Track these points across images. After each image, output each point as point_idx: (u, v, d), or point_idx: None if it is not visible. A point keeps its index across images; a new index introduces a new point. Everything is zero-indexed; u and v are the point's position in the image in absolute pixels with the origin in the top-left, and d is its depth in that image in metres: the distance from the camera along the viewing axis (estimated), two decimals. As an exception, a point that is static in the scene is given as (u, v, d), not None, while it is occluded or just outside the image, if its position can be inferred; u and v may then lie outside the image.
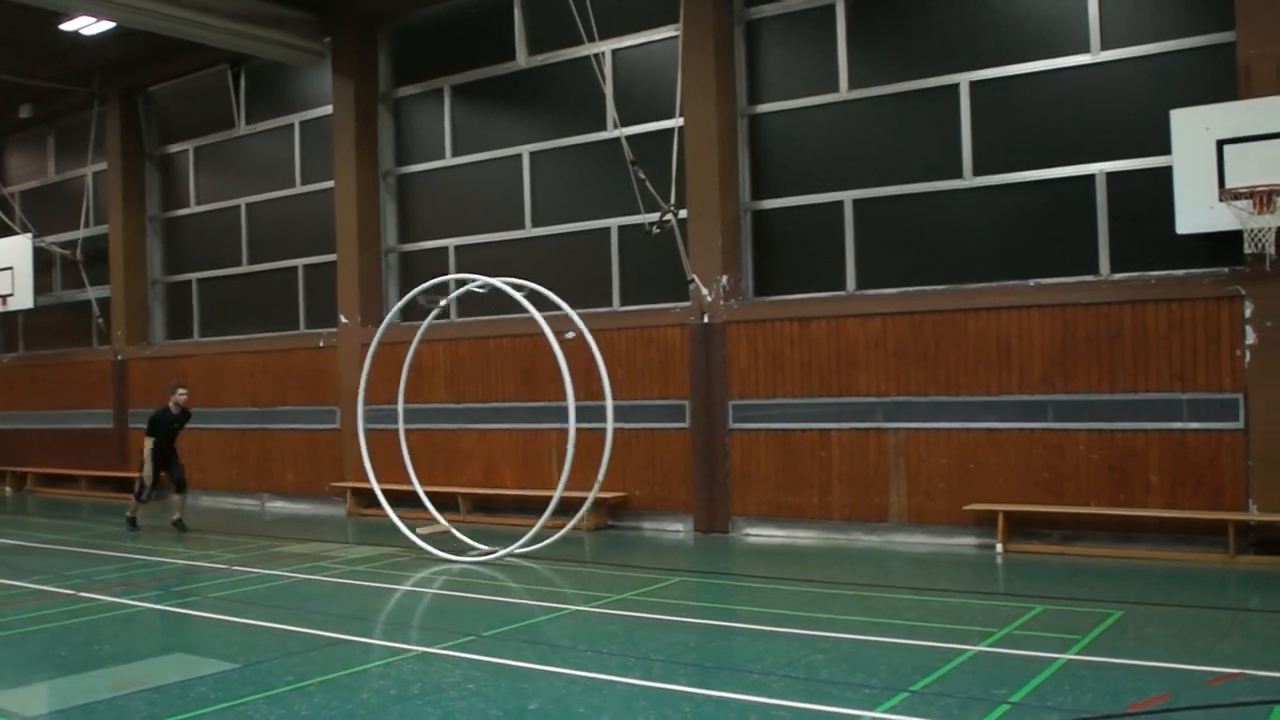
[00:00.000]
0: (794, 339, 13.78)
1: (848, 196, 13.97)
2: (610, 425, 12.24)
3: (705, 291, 14.10)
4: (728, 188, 14.42)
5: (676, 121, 13.89)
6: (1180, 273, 11.97)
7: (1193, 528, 11.71)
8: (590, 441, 12.35)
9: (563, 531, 12.81)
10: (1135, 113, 12.31)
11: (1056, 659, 7.56)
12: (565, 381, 11.80)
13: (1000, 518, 12.40)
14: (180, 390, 15.92)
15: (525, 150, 16.58)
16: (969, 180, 13.19)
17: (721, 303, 14.30)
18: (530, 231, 16.54)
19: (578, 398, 12.18)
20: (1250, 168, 11.22)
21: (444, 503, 15.70)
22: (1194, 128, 11.51)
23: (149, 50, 19.39)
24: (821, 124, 14.25)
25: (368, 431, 13.74)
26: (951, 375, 12.87)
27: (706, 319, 14.36)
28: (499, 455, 16.23)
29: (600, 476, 12.41)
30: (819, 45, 14.17)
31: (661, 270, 14.59)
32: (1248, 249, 11.21)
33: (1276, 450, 11.40)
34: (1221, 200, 11.29)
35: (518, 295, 11.93)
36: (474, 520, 15.85)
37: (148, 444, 15.55)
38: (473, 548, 12.54)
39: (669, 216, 13.18)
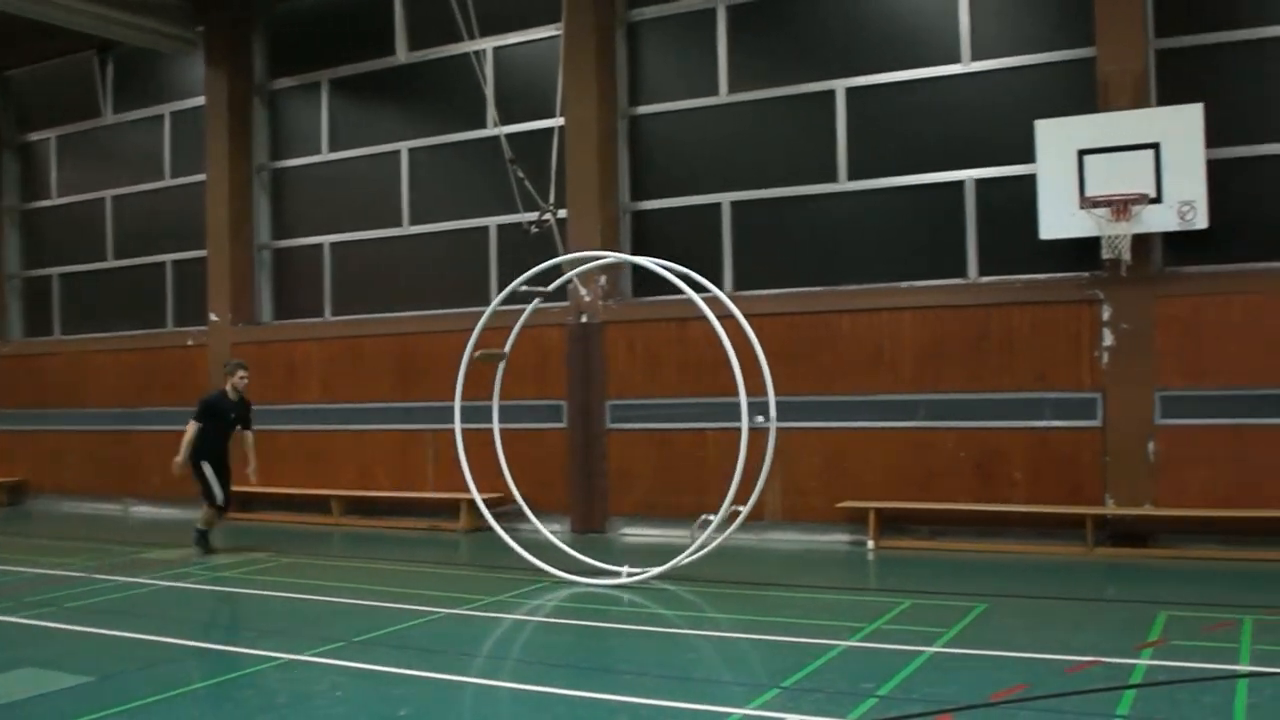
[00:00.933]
0: (672, 339, 14.18)
1: (726, 199, 14.43)
2: (497, 426, 12.37)
3: (584, 292, 14.40)
4: (607, 188, 14.77)
5: (557, 121, 14.14)
6: (1044, 277, 12.65)
7: (1054, 522, 12.39)
8: (474, 442, 12.51)
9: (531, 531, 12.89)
10: (1003, 122, 12.96)
11: (923, 652, 7.95)
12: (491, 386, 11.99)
13: (872, 515, 12.92)
14: (241, 372, 13.29)
15: (404, 147, 16.73)
16: (844, 184, 13.75)
17: (600, 303, 14.64)
18: (408, 229, 16.69)
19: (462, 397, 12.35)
20: (1109, 177, 11.96)
21: (316, 505, 15.78)
22: (1057, 138, 12.22)
23: (7, 32, 18.98)
24: (701, 126, 14.70)
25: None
26: (826, 375, 13.38)
27: (585, 319, 14.68)
28: (374, 457, 16.31)
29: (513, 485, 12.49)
30: (700, 48, 14.61)
31: (540, 270, 14.80)
32: (1106, 255, 11.93)
33: (1131, 447, 12.14)
34: (1082, 208, 12.02)
35: (676, 279, 11.43)
36: (348, 523, 15.91)
37: (190, 430, 12.98)
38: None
39: (548, 216, 13.38)
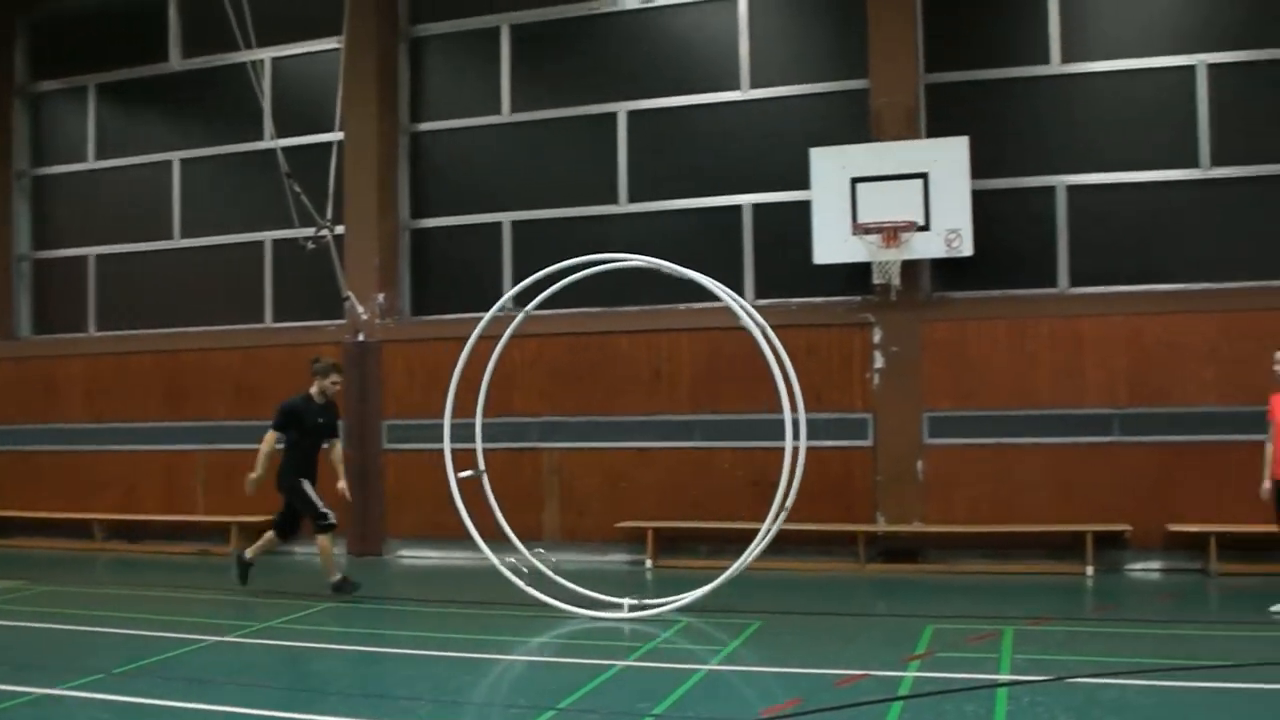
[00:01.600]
0: (450, 359, 14.05)
1: (507, 218, 14.51)
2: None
3: (361, 310, 14.26)
4: (387, 205, 14.68)
5: (336, 135, 14.01)
6: (818, 300, 13.10)
7: (828, 539, 12.82)
8: (242, 462, 12.22)
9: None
10: (780, 149, 13.42)
11: (699, 670, 8.09)
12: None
13: (650, 534, 13.12)
14: (335, 376, 11.43)
15: (176, 157, 16.28)
16: (624, 206, 14.02)
17: (378, 321, 14.51)
18: (179, 242, 16.22)
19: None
20: (880, 205, 12.51)
21: (77, 530, 15.15)
22: (831, 166, 12.72)
23: None
24: (484, 145, 14.77)
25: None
26: (605, 396, 13.56)
27: (362, 338, 14.52)
28: (141, 478, 15.75)
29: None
30: (483, 67, 14.68)
31: (316, 287, 14.61)
32: (877, 280, 12.46)
33: (901, 466, 12.67)
34: (854, 234, 12.52)
35: (710, 284, 10.73)
36: (112, 548, 15.33)
37: (268, 441, 11.25)
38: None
39: (325, 232, 13.23)
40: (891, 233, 12.27)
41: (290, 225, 13.91)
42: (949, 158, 12.41)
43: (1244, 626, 9.51)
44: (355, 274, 14.39)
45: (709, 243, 13.49)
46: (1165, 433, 12.29)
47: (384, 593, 12.11)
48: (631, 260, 10.69)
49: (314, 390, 11.37)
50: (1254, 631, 9.30)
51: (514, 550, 10.66)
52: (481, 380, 10.74)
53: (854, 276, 12.68)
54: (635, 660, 8.43)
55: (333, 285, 14.05)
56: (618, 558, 13.35)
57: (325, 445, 11.52)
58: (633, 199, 13.92)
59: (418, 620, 10.63)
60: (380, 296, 14.45)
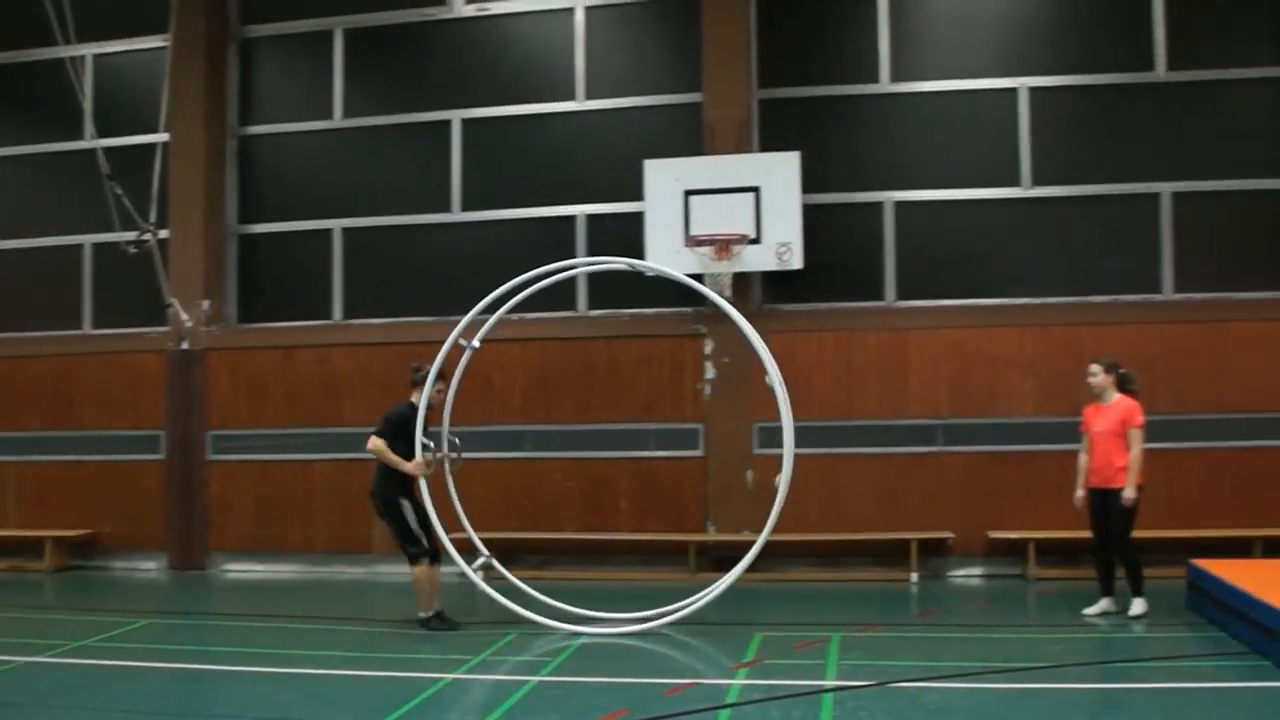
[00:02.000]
0: (278, 368, 14.03)
1: (338, 225, 14.42)
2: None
3: (185, 316, 14.05)
4: (213, 209, 14.48)
5: (161, 136, 13.82)
6: (651, 311, 13.36)
7: (659, 549, 13.04)
8: (55, 476, 11.94)
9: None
10: (614, 160, 13.63)
11: (528, 681, 8.15)
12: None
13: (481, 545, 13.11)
14: (440, 383, 10.43)
15: (-12, 155, 15.82)
16: (458, 215, 14.06)
17: (202, 329, 14.29)
18: (-8, 244, 15.76)
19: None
20: (712, 218, 12.76)
21: None
22: (665, 178, 12.94)
23: None
24: (315, 150, 14.63)
25: None
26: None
27: (186, 345, 14.29)
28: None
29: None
30: (315, 70, 14.57)
31: (138, 292, 14.35)
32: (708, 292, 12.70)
33: (730, 476, 12.98)
34: (687, 246, 12.75)
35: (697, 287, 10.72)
36: None
37: (380, 449, 10.03)
38: None
39: (148, 236, 13.06)
40: (723, 245, 12.53)
41: (112, 228, 13.69)
42: (780, 172, 12.74)
43: (1060, 629, 9.95)
44: (179, 280, 14.17)
45: (543, 252, 13.46)
46: (986, 443, 12.83)
47: (207, 608, 11.95)
48: (612, 263, 10.78)
49: (417, 398, 10.27)
50: (1068, 634, 9.75)
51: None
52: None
53: (686, 288, 12.90)
54: (464, 674, 8.44)
55: (156, 291, 13.86)
56: (447, 570, 13.34)
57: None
58: (466, 208, 13.98)
59: (243, 636, 10.40)
60: (205, 303, 14.25)
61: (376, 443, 9.92)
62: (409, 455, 10.02)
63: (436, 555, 10.13)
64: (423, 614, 10.10)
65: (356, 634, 10.26)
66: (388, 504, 10.08)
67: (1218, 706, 7.44)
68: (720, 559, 12.88)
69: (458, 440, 10.24)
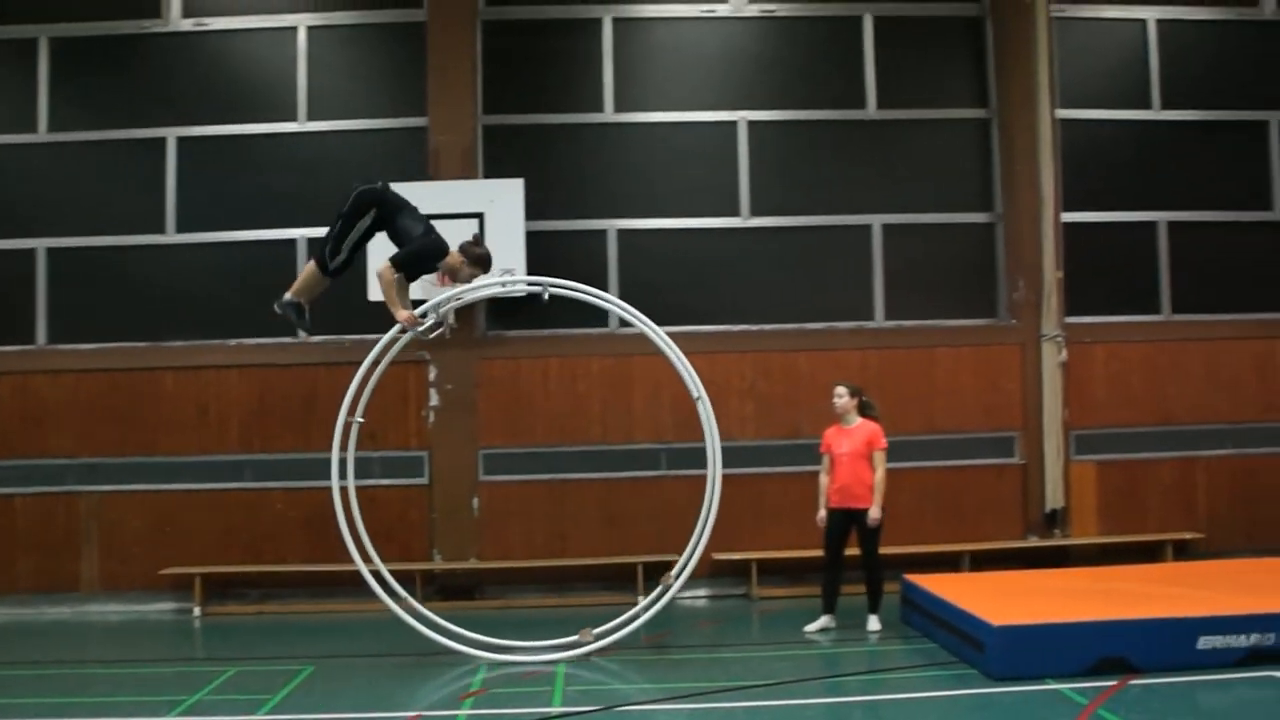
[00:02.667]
0: (-23, 392, 13.65)
1: (42, 244, 13.90)
2: None
3: None
4: (-100, 227, 13.92)
5: None
6: (373, 337, 13.48)
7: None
8: None
9: None
10: (338, 183, 13.59)
11: None
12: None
13: (198, 580, 13.06)
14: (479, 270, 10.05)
15: None
16: (172, 236, 13.84)
17: (-112, 354, 13.75)
18: None
19: None
20: None
21: None
22: None
23: None
24: (17, 165, 14.07)
25: None
26: (149, 435, 13.40)
27: None
28: None
29: None
30: (18, 80, 14.05)
31: None
32: (431, 318, 12.98)
33: (455, 503, 13.24)
34: None
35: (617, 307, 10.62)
36: None
37: (385, 278, 9.76)
38: None
39: None
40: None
41: None
42: (505, 199, 13.07)
43: (783, 646, 10.54)
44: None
45: (262, 276, 13.52)
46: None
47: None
48: (546, 283, 10.68)
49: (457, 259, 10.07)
50: (791, 650, 10.35)
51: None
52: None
53: (411, 313, 13.15)
54: (178, 715, 8.33)
55: None
56: (164, 606, 13.25)
57: None
58: (181, 229, 13.76)
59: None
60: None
61: (386, 276, 9.66)
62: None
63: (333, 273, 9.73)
64: (289, 297, 9.76)
65: (61, 676, 10.04)
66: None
67: (928, 715, 8.12)
68: (447, 588, 13.18)
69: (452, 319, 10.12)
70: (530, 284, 10.75)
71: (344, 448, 10.19)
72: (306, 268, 10.00)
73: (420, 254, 9.67)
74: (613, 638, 10.29)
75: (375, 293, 12.61)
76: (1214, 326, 14.50)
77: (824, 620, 11.01)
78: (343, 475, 10.17)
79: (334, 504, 10.13)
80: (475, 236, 10.06)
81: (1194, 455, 14.36)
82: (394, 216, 9.61)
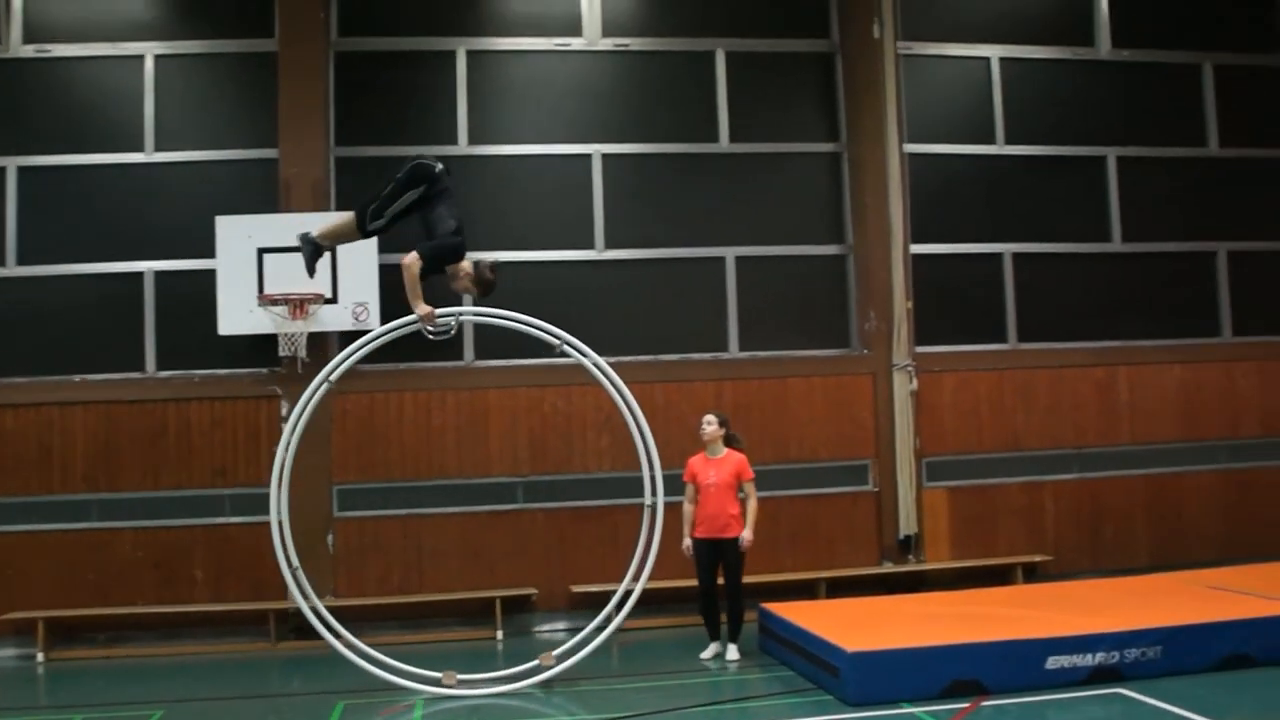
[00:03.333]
0: None
1: None
2: None
3: None
4: None
5: None
6: (224, 372, 13.53)
7: (239, 619, 13.14)
8: None
9: None
10: (186, 215, 13.71)
11: None
12: None
13: (40, 625, 12.90)
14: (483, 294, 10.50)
15: None
16: (12, 269, 13.64)
17: None
18: None
19: None
20: (288, 277, 12.96)
21: None
22: (238, 235, 13.10)
23: None
24: None
25: None
26: (-13, 475, 13.27)
27: None
28: None
29: None
30: None
31: None
32: (283, 351, 13.02)
33: (309, 540, 13.10)
34: (261, 305, 12.95)
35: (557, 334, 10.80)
36: None
37: (411, 269, 10.09)
38: None
39: None
40: (299, 304, 12.83)
41: None
42: (358, 232, 13.21)
43: (642, 678, 10.91)
44: None
45: (107, 310, 13.52)
46: (566, 499, 13.78)
47: None
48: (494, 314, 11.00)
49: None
50: (651, 682, 10.68)
51: None
52: None
53: (261, 348, 13.23)
54: None
55: None
56: (5, 653, 13.09)
57: None
58: (22, 262, 13.57)
59: None
60: None
61: (413, 268, 9.98)
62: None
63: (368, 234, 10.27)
64: (315, 235, 10.20)
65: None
66: None
67: None
68: (303, 627, 13.12)
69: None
70: (476, 314, 11.25)
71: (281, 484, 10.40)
72: (344, 216, 10.32)
73: (445, 250, 9.92)
74: (570, 661, 10.74)
75: (227, 327, 12.69)
76: (1058, 354, 15.14)
77: (714, 647, 11.49)
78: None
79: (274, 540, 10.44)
80: (494, 264, 10.40)
81: (1041, 480, 14.98)
82: (436, 200, 9.90)
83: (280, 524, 10.46)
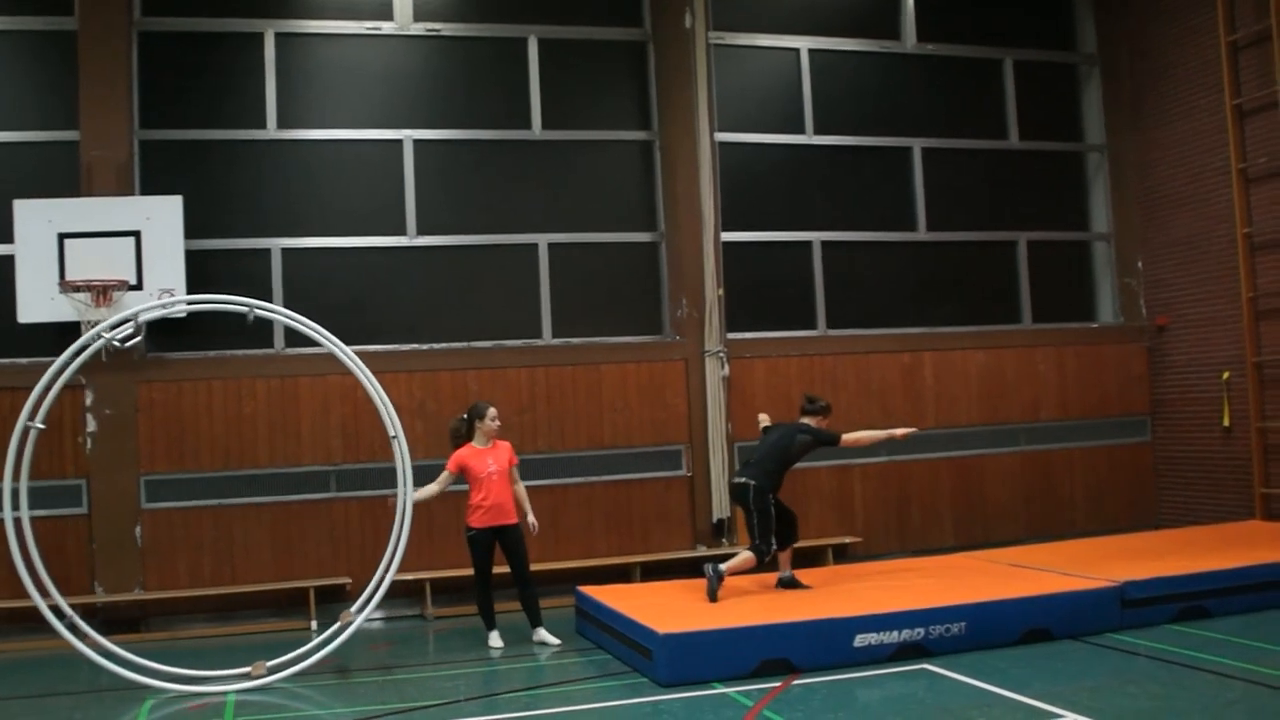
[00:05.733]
0: None
1: None
2: None
3: None
4: None
5: None
6: (25, 361, 13.76)
7: (34, 615, 13.25)
8: None
9: None
10: None
11: None
12: None
13: None
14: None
15: None
16: None
17: None
18: None
19: None
20: (91, 262, 13.35)
21: None
22: (37, 220, 13.35)
23: None
24: None
25: None
26: None
27: None
28: None
29: None
30: None
31: None
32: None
33: (117, 532, 13.55)
34: (63, 292, 13.20)
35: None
36: None
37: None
38: None
39: None
40: (102, 291, 13.08)
41: None
42: (163, 216, 13.55)
43: (458, 665, 11.41)
44: None
45: (-100, 297, 13.62)
46: (378, 486, 14.32)
47: None
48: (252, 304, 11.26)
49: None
50: (467, 669, 11.17)
51: None
52: None
53: (64, 336, 13.43)
54: None
55: None
56: None
57: None
58: None
59: None
60: None
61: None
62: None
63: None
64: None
65: None
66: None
67: None
68: (110, 621, 13.46)
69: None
70: (236, 304, 11.46)
71: (16, 478, 10.53)
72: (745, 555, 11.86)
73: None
74: (291, 671, 10.99)
75: (27, 315, 12.93)
76: (865, 340, 16.33)
77: (497, 634, 12.07)
78: (15, 506, 10.54)
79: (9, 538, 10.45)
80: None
81: (850, 464, 16.13)
82: None
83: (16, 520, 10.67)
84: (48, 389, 10.72)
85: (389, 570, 11.29)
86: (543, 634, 11.99)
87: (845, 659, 10.18)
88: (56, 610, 10.74)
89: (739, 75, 16.26)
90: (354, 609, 11.32)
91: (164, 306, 11.71)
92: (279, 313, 11.53)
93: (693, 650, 9.94)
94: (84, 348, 10.87)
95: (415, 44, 15.34)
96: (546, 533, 13.72)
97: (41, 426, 10.74)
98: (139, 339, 11.06)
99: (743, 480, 11.58)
